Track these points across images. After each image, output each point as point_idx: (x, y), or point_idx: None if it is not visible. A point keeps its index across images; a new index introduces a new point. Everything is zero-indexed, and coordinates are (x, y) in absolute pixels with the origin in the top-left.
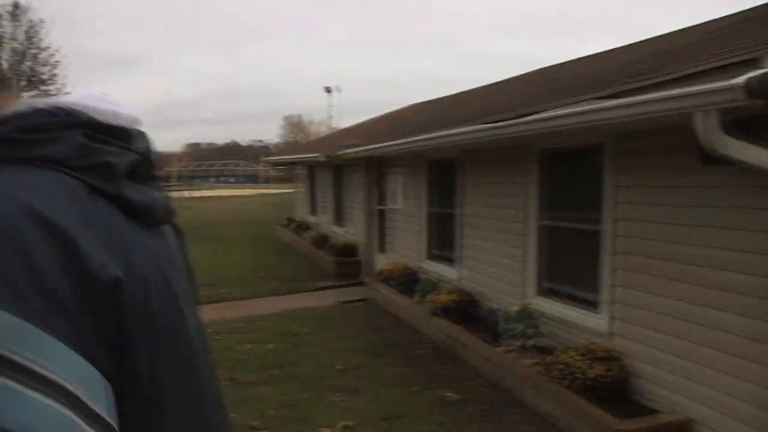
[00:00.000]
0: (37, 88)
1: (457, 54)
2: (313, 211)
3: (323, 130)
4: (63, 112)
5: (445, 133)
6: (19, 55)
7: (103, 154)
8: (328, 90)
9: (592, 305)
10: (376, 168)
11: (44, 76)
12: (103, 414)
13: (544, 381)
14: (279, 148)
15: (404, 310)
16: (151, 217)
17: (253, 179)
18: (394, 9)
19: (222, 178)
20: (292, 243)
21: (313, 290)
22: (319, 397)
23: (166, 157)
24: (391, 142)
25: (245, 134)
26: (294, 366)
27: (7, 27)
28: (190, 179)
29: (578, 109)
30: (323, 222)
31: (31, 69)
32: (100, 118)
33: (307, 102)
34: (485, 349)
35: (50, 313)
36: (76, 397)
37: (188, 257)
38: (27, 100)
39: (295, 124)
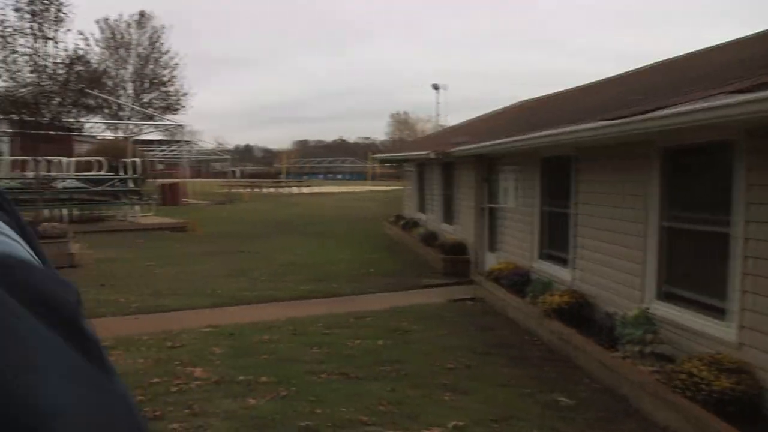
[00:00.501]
0: (158, 89)
1: (565, 48)
2: (422, 208)
3: (430, 128)
4: None
5: (561, 130)
6: (143, 60)
7: None
8: (435, 87)
9: (718, 312)
10: (487, 165)
11: (165, 78)
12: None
13: (664, 390)
14: (385, 146)
15: (515, 311)
16: None
17: (360, 176)
18: (501, 3)
19: (329, 175)
20: (401, 240)
21: (421, 287)
22: (429, 395)
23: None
24: (505, 140)
25: (352, 132)
26: (403, 363)
27: (134, 34)
28: (298, 176)
29: (706, 104)
30: (432, 219)
31: (153, 72)
32: None
33: (413, 99)
34: (600, 353)
35: None
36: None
37: None
38: None
39: (401, 122)
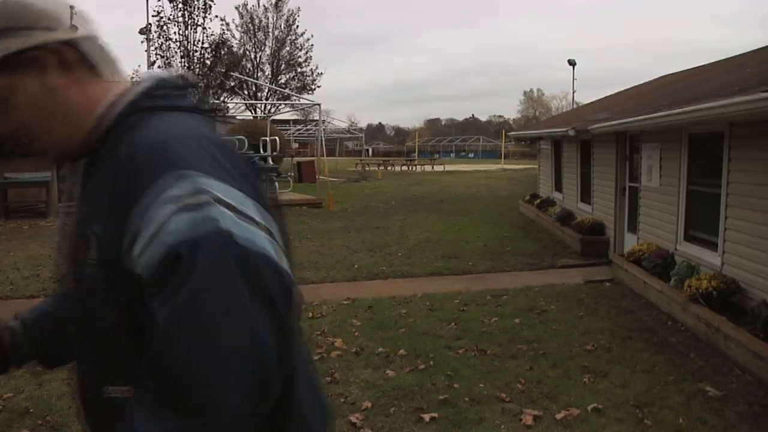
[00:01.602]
0: (294, 70)
1: (711, 17)
2: (558, 187)
3: (563, 105)
4: (177, 79)
5: (714, 104)
6: (280, 42)
7: (206, 106)
8: (571, 63)
9: None
10: (628, 143)
11: (300, 59)
12: (277, 244)
13: None
14: (518, 123)
15: (657, 294)
16: None
17: (492, 154)
18: None
19: (461, 153)
20: (535, 219)
21: (558, 268)
22: (567, 376)
23: (407, 133)
24: (650, 116)
25: (484, 110)
26: (541, 342)
27: (271, 18)
28: (430, 154)
29: None
30: (568, 198)
31: (290, 54)
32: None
33: (545, 76)
34: (755, 344)
35: (248, 188)
36: (266, 227)
37: None
38: (151, 72)
39: (534, 99)
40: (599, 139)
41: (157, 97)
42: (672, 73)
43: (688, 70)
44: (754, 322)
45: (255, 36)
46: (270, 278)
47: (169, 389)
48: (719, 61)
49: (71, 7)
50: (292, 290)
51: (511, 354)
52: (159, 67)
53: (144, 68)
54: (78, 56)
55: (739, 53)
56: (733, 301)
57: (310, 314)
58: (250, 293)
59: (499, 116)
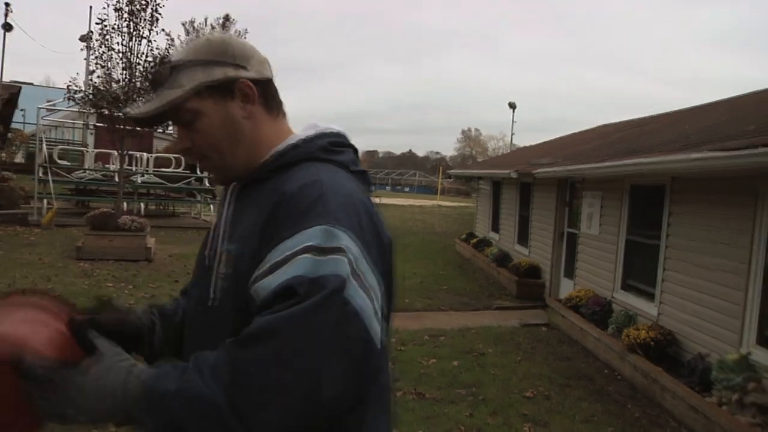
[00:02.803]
0: None
1: (648, 73)
2: (495, 227)
3: (500, 146)
4: (340, 136)
5: (663, 158)
6: None
7: (358, 164)
8: (512, 106)
9: None
10: (568, 189)
11: None
12: (379, 314)
13: None
14: (455, 161)
15: (594, 342)
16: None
17: (427, 190)
18: (580, 24)
19: (398, 187)
20: (471, 258)
21: (494, 309)
22: (508, 425)
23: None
24: (596, 164)
25: (422, 145)
26: (480, 387)
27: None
28: None
29: None
30: (505, 239)
31: None
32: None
33: (484, 117)
34: (691, 397)
35: (369, 252)
36: (376, 298)
37: None
38: (316, 124)
39: (472, 139)
40: (540, 183)
41: (329, 152)
42: (609, 124)
43: (625, 121)
44: (690, 375)
45: None
46: (359, 344)
47: (233, 373)
48: (655, 115)
49: (257, 52)
50: (372, 358)
51: (451, 398)
52: (98, 77)
53: (82, 76)
54: (258, 94)
55: (666, 111)
56: (670, 353)
57: None
58: (336, 345)
59: (437, 152)
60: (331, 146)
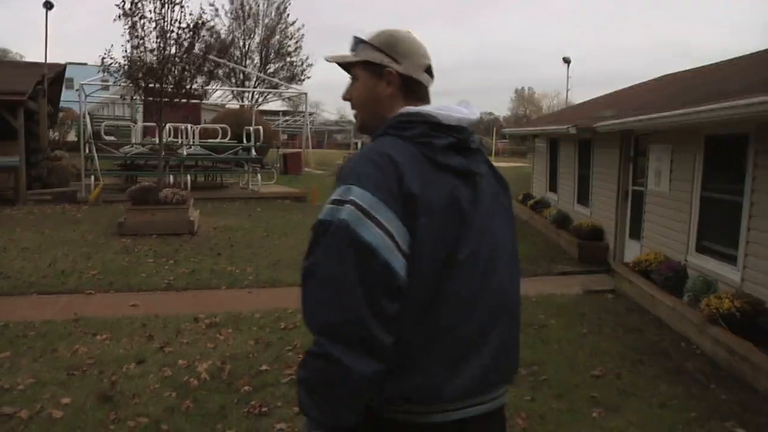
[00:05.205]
0: (284, 59)
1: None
2: (553, 187)
3: (555, 104)
4: (419, 115)
5: (757, 100)
6: (270, 30)
7: (431, 138)
8: (566, 61)
9: None
10: (633, 144)
11: (290, 49)
12: (404, 248)
13: None
14: (508, 121)
15: (668, 311)
16: (457, 172)
17: None
18: None
19: None
20: (529, 220)
21: (555, 275)
22: (574, 410)
23: None
24: (668, 113)
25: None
26: (543, 365)
27: (262, 5)
28: None
29: None
30: (564, 200)
31: (279, 43)
32: (438, 119)
33: (536, 74)
34: None
35: (388, 198)
36: (392, 235)
37: (508, 201)
38: (407, 107)
39: (525, 97)
40: (601, 139)
41: (396, 128)
42: (673, 73)
43: (689, 70)
44: None
45: (244, 23)
46: (371, 267)
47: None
48: (719, 62)
49: (421, 57)
50: (383, 271)
51: None
52: (133, 47)
53: (117, 49)
54: (401, 83)
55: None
56: (761, 324)
57: (282, 324)
58: (342, 245)
59: (489, 113)
60: (398, 124)
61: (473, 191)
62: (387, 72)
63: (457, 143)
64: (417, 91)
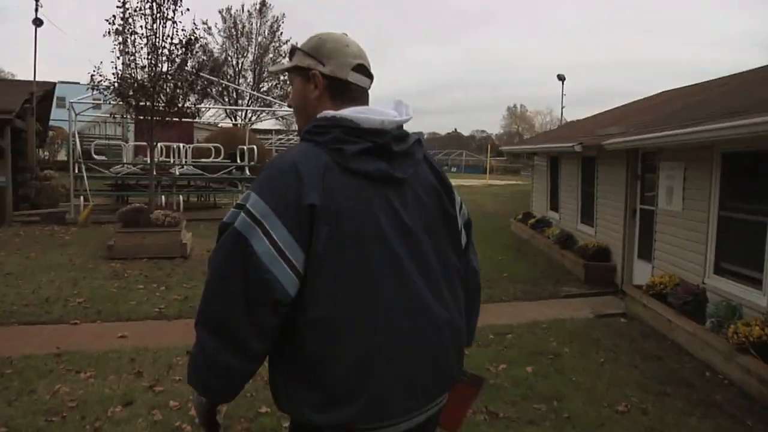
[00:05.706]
0: (277, 77)
1: (704, 38)
2: (554, 206)
3: (548, 121)
4: (333, 119)
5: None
6: (263, 49)
7: (342, 144)
8: (560, 78)
9: None
10: (640, 161)
11: None
12: (294, 261)
13: None
14: (501, 139)
15: (687, 336)
16: (369, 178)
17: (475, 169)
18: None
19: (445, 168)
20: (530, 240)
21: (562, 297)
22: None
23: None
24: (683, 130)
25: (466, 124)
26: (562, 400)
27: (255, 23)
28: None
29: None
30: (566, 219)
31: (273, 61)
32: (356, 123)
33: (528, 92)
34: None
35: (281, 209)
36: (280, 247)
37: (451, 207)
38: (325, 111)
39: (518, 115)
40: (606, 156)
41: (311, 134)
42: (674, 89)
43: (690, 86)
44: None
45: (237, 41)
46: (237, 247)
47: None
48: (717, 78)
49: (346, 57)
50: (263, 283)
51: (529, 417)
52: (123, 64)
53: (107, 65)
54: (325, 84)
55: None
56: None
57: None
58: (231, 250)
59: (482, 131)
60: (314, 129)
61: (396, 197)
62: (312, 74)
63: (375, 148)
64: (346, 91)
